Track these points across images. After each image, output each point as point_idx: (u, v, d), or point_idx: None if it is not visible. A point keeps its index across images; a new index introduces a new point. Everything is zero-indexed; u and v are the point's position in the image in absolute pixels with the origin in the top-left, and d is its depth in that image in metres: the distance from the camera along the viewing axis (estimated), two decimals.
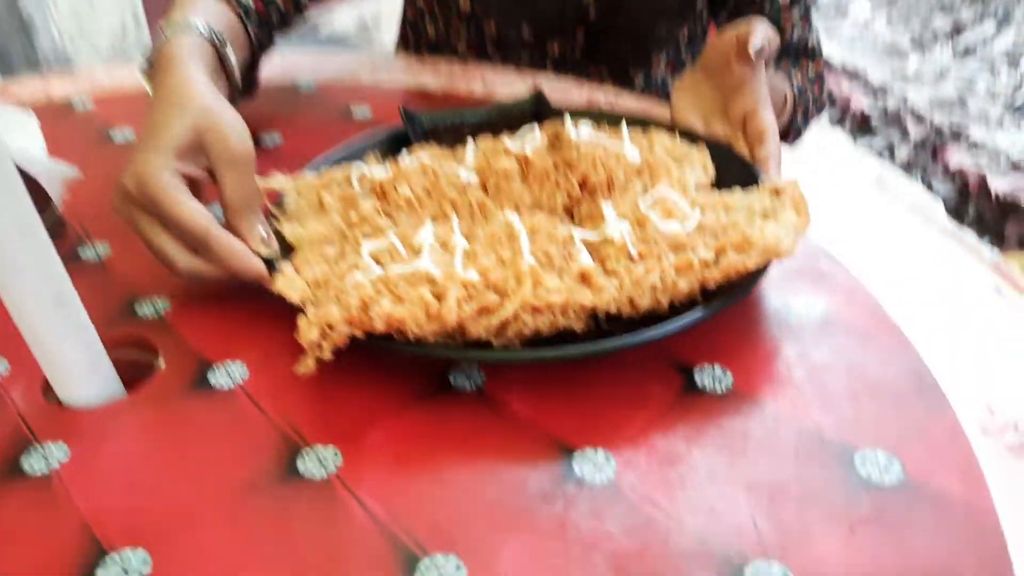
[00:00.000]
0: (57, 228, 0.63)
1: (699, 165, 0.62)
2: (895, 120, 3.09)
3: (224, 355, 0.51)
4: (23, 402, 0.48)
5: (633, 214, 0.53)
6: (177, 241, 0.50)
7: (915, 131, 2.99)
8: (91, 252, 0.62)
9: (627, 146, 0.60)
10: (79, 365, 0.47)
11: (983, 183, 2.58)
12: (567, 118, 0.62)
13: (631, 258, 0.49)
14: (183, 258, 0.51)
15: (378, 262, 0.49)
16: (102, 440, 0.46)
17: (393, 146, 0.68)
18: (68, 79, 0.92)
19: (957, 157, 2.72)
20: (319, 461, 0.43)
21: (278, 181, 0.60)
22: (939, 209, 2.49)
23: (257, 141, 0.77)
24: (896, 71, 3.50)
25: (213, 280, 0.52)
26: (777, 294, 0.55)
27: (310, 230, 0.56)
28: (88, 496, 0.42)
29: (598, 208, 0.55)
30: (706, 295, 0.49)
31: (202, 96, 0.53)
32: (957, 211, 2.50)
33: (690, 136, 0.66)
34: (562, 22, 0.93)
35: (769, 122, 0.63)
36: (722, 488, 0.42)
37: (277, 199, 0.60)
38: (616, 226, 0.51)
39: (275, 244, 0.53)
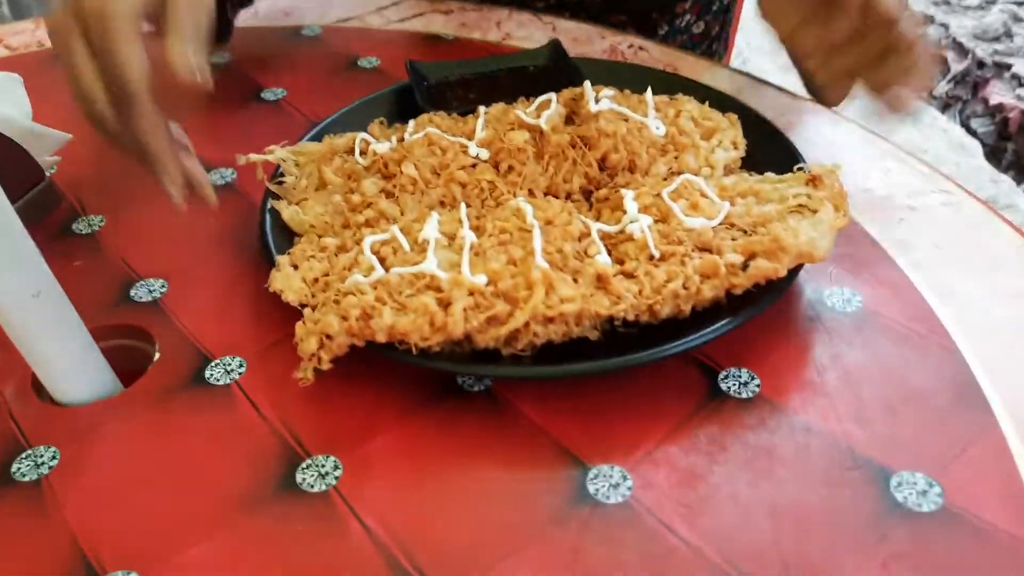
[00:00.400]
0: (49, 199, 0.60)
1: (729, 140, 0.57)
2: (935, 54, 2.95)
3: (222, 348, 0.48)
4: (15, 400, 0.46)
5: (656, 205, 0.49)
6: (104, 86, 0.45)
7: (956, 65, 2.85)
8: (85, 225, 0.59)
9: (651, 118, 0.56)
10: (66, 362, 0.45)
11: None
12: (587, 87, 0.57)
13: (652, 258, 0.45)
14: (101, 97, 0.45)
15: (380, 257, 0.46)
16: (92, 444, 0.44)
17: (400, 104, 0.64)
18: None
19: (999, 93, 2.59)
20: (319, 473, 0.41)
21: (277, 154, 0.56)
22: (977, 149, 2.39)
23: (259, 95, 0.73)
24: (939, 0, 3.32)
25: (113, 138, 0.47)
26: (811, 286, 0.51)
27: (311, 214, 0.52)
28: (78, 508, 0.41)
29: (618, 195, 0.50)
30: (731, 296, 0.45)
31: None
32: (995, 152, 2.40)
33: (721, 101, 0.61)
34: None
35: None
36: (745, 511, 0.39)
37: (275, 173, 0.56)
38: (637, 221, 0.47)
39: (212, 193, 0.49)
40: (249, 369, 0.47)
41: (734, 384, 0.45)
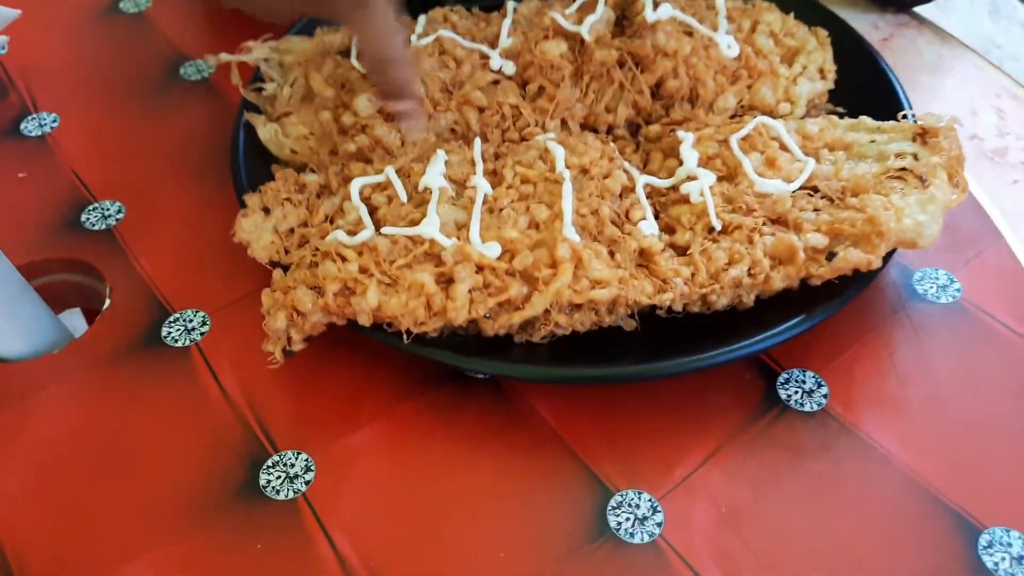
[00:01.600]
0: None
1: (816, 65, 0.46)
2: None
3: (184, 299, 0.41)
4: None
5: (721, 156, 0.39)
6: None
7: None
8: (35, 125, 0.50)
9: (722, 34, 0.44)
10: (5, 321, 0.37)
11: None
12: None
13: (712, 230, 0.36)
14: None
15: (370, 206, 0.37)
16: (21, 416, 0.37)
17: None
18: None
19: None
20: (286, 476, 0.34)
21: (255, 52, 0.45)
22: None
23: None
24: None
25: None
26: (898, 264, 0.42)
27: (292, 134, 0.43)
28: (6, 507, 0.34)
29: (674, 137, 0.40)
30: (804, 281, 0.36)
31: None
32: None
33: (807, 10, 0.49)
34: None
35: None
36: (796, 560, 0.32)
37: (254, 76, 0.46)
38: (696, 182, 0.37)
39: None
40: (214, 328, 0.40)
41: (796, 392, 0.37)
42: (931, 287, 0.41)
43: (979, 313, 0.40)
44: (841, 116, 0.43)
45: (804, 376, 0.37)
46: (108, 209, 0.45)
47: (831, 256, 0.35)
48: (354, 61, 0.45)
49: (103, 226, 0.44)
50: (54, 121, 0.50)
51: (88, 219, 0.44)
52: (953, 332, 0.39)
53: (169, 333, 0.39)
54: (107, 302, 0.41)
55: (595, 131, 0.43)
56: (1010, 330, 0.39)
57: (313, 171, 0.40)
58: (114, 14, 0.58)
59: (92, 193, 0.46)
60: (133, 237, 0.43)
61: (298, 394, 0.37)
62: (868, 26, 0.56)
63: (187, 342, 0.39)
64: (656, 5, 0.44)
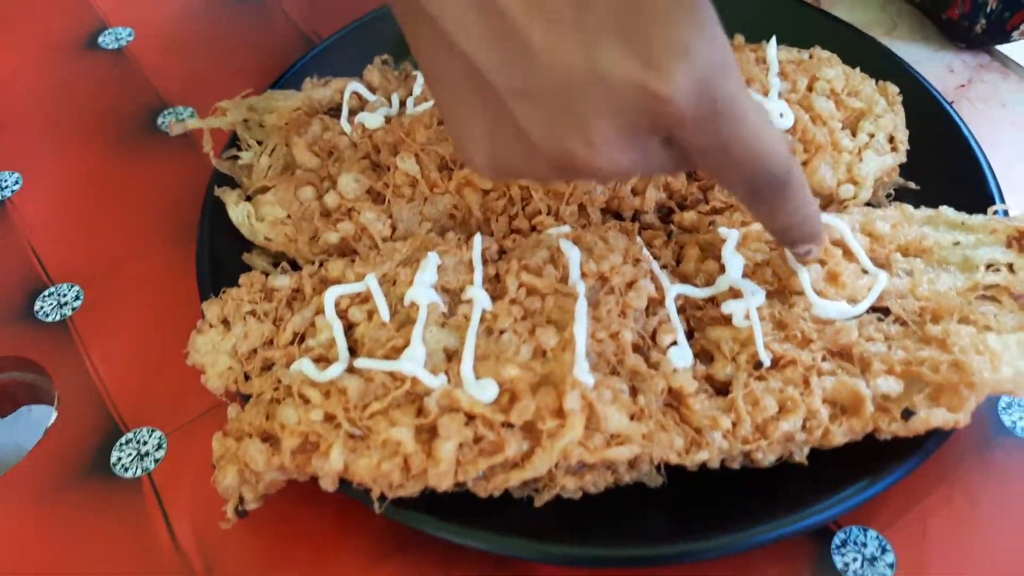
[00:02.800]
0: None
1: (885, 133, 0.38)
2: None
3: (140, 413, 0.35)
4: None
5: (772, 265, 0.32)
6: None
7: None
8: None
9: (774, 98, 0.37)
10: None
11: None
12: None
13: (759, 366, 0.29)
14: None
15: (347, 323, 0.31)
16: None
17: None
18: None
19: None
20: None
21: (230, 116, 0.40)
22: None
23: None
24: None
25: None
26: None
27: (268, 217, 0.37)
28: None
29: (714, 234, 0.34)
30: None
31: None
32: None
33: (873, 56, 0.42)
34: None
35: None
36: None
37: (229, 142, 0.40)
38: (741, 301, 0.30)
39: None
40: (170, 453, 0.34)
41: (855, 559, 0.30)
42: (1020, 418, 0.34)
43: None
44: (915, 202, 0.35)
45: (865, 537, 0.31)
46: (65, 295, 0.39)
47: (907, 413, 0.28)
48: (344, 123, 0.39)
49: (58, 316, 0.39)
50: (16, 183, 0.45)
51: (42, 308, 0.39)
52: None
53: (119, 459, 0.34)
54: (53, 415, 0.36)
55: (619, 217, 0.37)
56: None
57: (285, 270, 0.34)
58: (93, 49, 0.52)
59: (49, 275, 0.40)
60: (89, 331, 0.38)
61: (260, 551, 0.31)
62: (942, 69, 0.48)
63: (138, 471, 0.34)
64: None
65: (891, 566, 0.30)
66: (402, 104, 0.40)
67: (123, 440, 0.34)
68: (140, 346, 0.38)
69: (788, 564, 0.30)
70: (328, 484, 0.28)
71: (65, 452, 0.34)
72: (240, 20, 0.54)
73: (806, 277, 0.31)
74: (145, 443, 0.34)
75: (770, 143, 0.25)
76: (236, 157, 0.40)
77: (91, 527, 0.32)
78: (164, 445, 0.34)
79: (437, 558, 0.31)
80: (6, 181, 0.45)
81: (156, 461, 0.34)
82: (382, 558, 0.31)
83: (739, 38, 0.41)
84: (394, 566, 0.31)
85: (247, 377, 0.31)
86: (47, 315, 0.39)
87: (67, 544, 0.32)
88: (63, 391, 0.36)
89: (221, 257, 0.37)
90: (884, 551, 0.31)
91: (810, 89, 0.39)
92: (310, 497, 0.31)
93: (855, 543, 0.31)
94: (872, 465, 0.29)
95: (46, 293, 0.40)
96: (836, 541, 0.31)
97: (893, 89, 0.40)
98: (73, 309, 0.39)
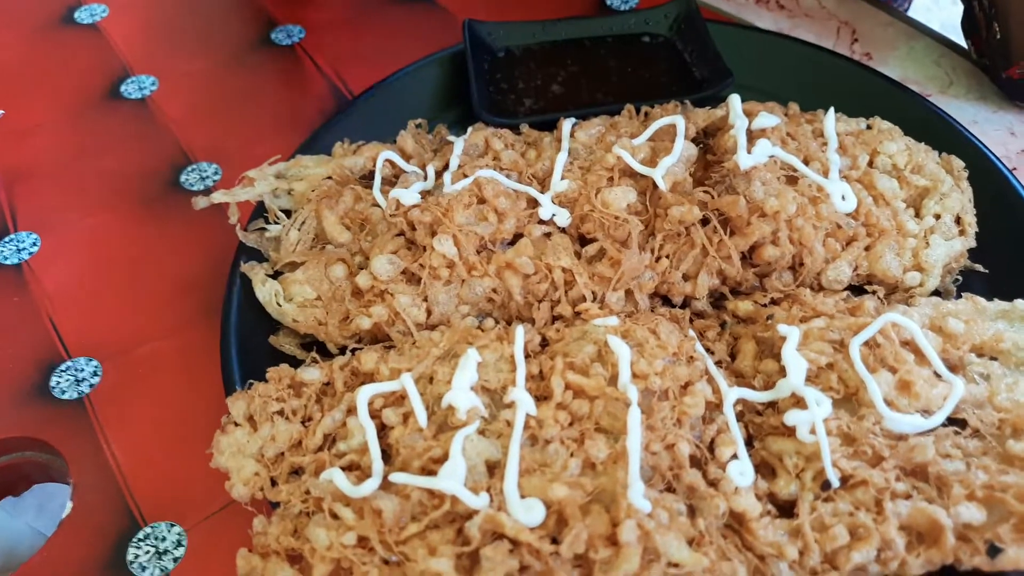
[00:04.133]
0: None
1: (952, 212, 0.36)
2: None
3: (157, 507, 0.33)
4: None
5: (836, 367, 0.30)
6: None
7: None
8: (11, 249, 0.43)
9: (835, 180, 0.35)
10: None
11: None
12: (735, 108, 0.36)
13: (827, 485, 0.27)
14: None
15: (380, 425, 0.29)
16: None
17: (454, 82, 0.44)
18: None
19: None
20: None
21: (258, 187, 0.38)
22: None
23: (268, 36, 0.54)
24: None
25: None
26: None
27: (298, 298, 0.35)
28: None
29: (773, 331, 0.31)
30: None
31: None
32: None
33: (932, 122, 0.40)
34: None
35: None
36: None
37: (256, 212, 0.38)
38: (806, 414, 0.28)
39: None
40: (190, 553, 0.32)
41: None
42: None
43: None
44: (984, 286, 0.33)
45: None
46: (82, 370, 0.38)
47: (994, 550, 0.25)
48: (377, 193, 0.37)
49: (75, 394, 0.37)
50: (34, 244, 0.43)
51: (59, 383, 0.37)
52: None
53: (136, 557, 0.32)
54: (68, 505, 0.34)
55: (668, 303, 0.35)
56: None
57: (315, 359, 0.32)
58: (115, 99, 0.51)
59: (67, 347, 0.39)
60: (106, 411, 0.36)
61: None
62: (1004, 132, 0.46)
63: (156, 571, 0.32)
64: (751, 140, 0.35)
65: None
66: (438, 175, 0.38)
67: (140, 536, 0.33)
68: (159, 431, 0.36)
69: None
70: None
71: (79, 548, 0.32)
72: (268, 70, 0.52)
73: (876, 387, 0.28)
74: (163, 539, 0.32)
75: None
76: (264, 229, 0.38)
77: None
78: (184, 543, 0.32)
79: None
80: (23, 242, 0.43)
81: (175, 560, 0.32)
82: None
83: (794, 107, 0.39)
84: None
85: (273, 483, 0.29)
86: (63, 392, 0.37)
87: None
88: (79, 479, 0.34)
89: (247, 338, 0.35)
90: None
91: (871, 164, 0.37)
92: None
93: None
94: None
95: (63, 368, 0.38)
96: None
97: (959, 164, 0.38)
98: (91, 386, 0.37)
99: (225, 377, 0.33)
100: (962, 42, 0.51)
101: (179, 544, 0.32)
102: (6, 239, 0.43)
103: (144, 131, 0.49)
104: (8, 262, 0.42)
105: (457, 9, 0.46)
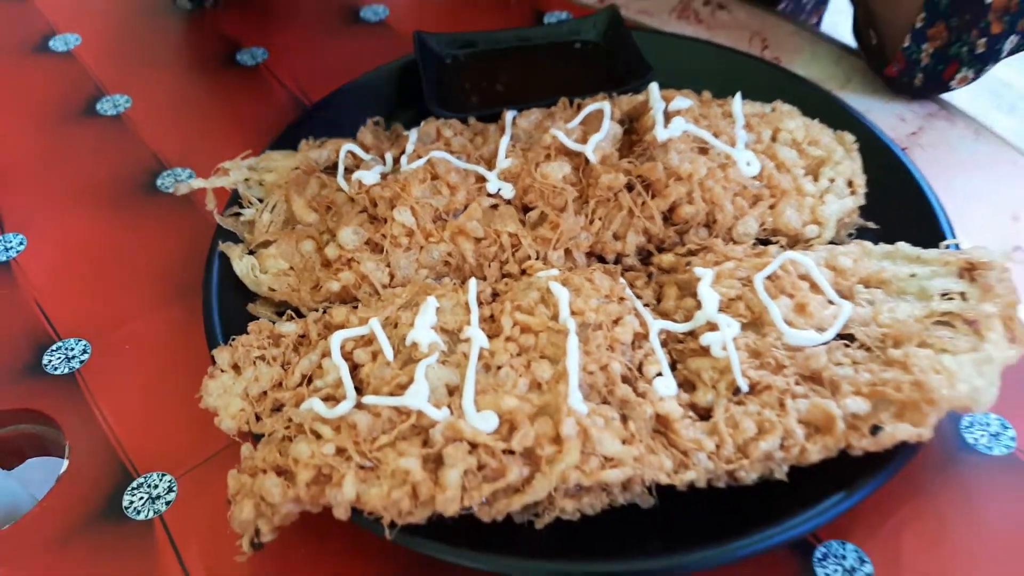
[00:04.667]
0: None
1: (844, 177, 0.42)
2: None
3: (150, 459, 0.37)
4: None
5: (744, 299, 0.34)
6: None
7: None
8: (0, 248, 0.46)
9: (740, 150, 0.41)
10: None
11: None
12: (654, 94, 0.42)
13: (737, 391, 0.32)
14: None
15: (352, 364, 0.33)
16: None
17: (406, 89, 0.49)
18: None
19: None
20: None
21: (233, 175, 0.42)
22: None
23: (234, 56, 0.58)
24: None
25: None
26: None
27: (272, 269, 0.39)
28: None
29: (690, 272, 0.36)
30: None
31: None
32: None
33: (829, 108, 0.46)
34: None
35: None
36: None
37: (231, 199, 0.42)
38: (718, 334, 0.33)
39: None
40: (181, 495, 0.35)
41: (835, 569, 0.32)
42: (982, 435, 0.36)
43: None
44: (875, 240, 0.39)
45: (844, 550, 0.33)
46: (72, 349, 0.41)
47: (876, 430, 0.30)
48: (340, 180, 0.42)
49: (66, 369, 0.40)
50: (20, 244, 0.47)
51: (50, 361, 0.41)
52: (1010, 489, 0.35)
53: (131, 503, 0.35)
54: (64, 463, 0.37)
55: (603, 260, 0.39)
56: None
57: (292, 317, 0.36)
58: (91, 116, 0.55)
59: (56, 330, 0.42)
60: (97, 382, 0.40)
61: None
62: (894, 119, 0.52)
63: (150, 513, 0.35)
64: (668, 119, 0.40)
65: (870, 574, 0.32)
66: (395, 161, 0.42)
67: (134, 485, 0.36)
68: (148, 396, 0.39)
69: (772, 572, 0.32)
70: (341, 513, 0.29)
71: (77, 498, 0.36)
72: (234, 86, 0.57)
73: (776, 310, 0.33)
74: (156, 487, 0.36)
75: None
76: (239, 214, 0.42)
77: (105, 570, 0.33)
78: (175, 488, 0.36)
79: None
80: (10, 243, 0.47)
81: (167, 504, 0.35)
82: None
83: (706, 94, 0.45)
84: None
85: (258, 418, 0.33)
86: (56, 368, 0.40)
87: None
88: (73, 441, 0.38)
89: (227, 308, 0.39)
90: (863, 562, 0.33)
91: (774, 139, 0.43)
92: (319, 529, 0.33)
93: (835, 556, 0.33)
94: (847, 480, 0.31)
95: (54, 348, 0.41)
96: (817, 554, 0.33)
97: (850, 138, 0.44)
98: (81, 362, 0.40)
99: (209, 338, 0.37)
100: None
101: (170, 490, 0.36)
102: None
103: (121, 143, 0.53)
104: None
105: (409, 31, 0.51)
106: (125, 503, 0.35)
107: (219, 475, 0.35)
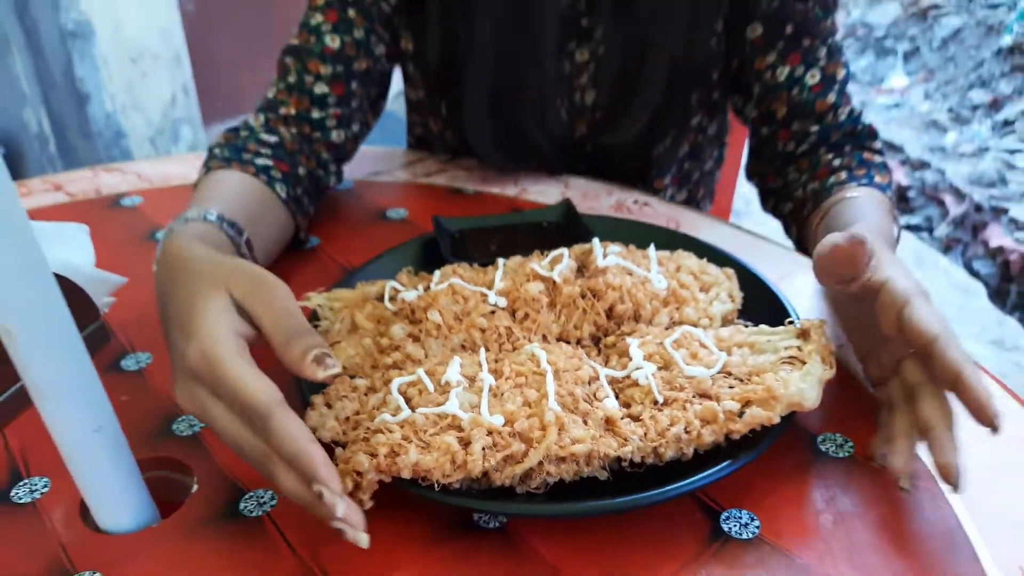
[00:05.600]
0: (100, 337, 0.65)
1: (725, 293, 0.62)
2: (933, 196, 3.06)
3: (256, 482, 0.52)
4: (62, 525, 0.50)
5: (659, 353, 0.53)
6: (244, 423, 0.44)
7: (954, 208, 2.95)
8: (132, 362, 0.64)
9: (654, 273, 0.61)
10: (116, 492, 0.48)
11: None
12: (596, 244, 0.64)
13: (656, 403, 0.50)
14: (250, 442, 0.44)
15: (406, 398, 0.50)
16: (132, 572, 0.47)
17: (426, 253, 0.70)
18: (117, 172, 0.96)
19: (998, 236, 2.68)
20: None
21: (313, 300, 0.61)
22: (980, 291, 2.45)
23: (297, 243, 0.80)
24: (934, 146, 3.49)
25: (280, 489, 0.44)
26: (804, 434, 0.55)
27: (343, 355, 0.57)
28: None
29: (624, 342, 0.55)
30: (730, 441, 0.49)
31: (214, 260, 0.52)
32: (999, 293, 2.45)
33: (718, 257, 0.67)
34: (563, 157, 0.94)
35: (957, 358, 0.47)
36: None
37: (311, 317, 0.61)
38: (642, 369, 0.51)
39: (335, 363, 0.46)
40: (281, 501, 0.51)
41: (735, 525, 0.48)
42: (831, 446, 0.54)
43: (867, 463, 0.52)
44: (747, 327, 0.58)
45: (741, 514, 0.49)
46: (194, 420, 0.57)
47: (741, 415, 0.48)
48: (387, 303, 0.61)
49: (190, 432, 0.56)
50: (148, 359, 0.64)
51: (178, 428, 0.57)
52: (852, 474, 0.51)
53: (245, 506, 0.50)
54: (194, 487, 0.52)
55: (567, 343, 0.58)
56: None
57: (362, 378, 0.54)
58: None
59: (181, 409, 0.59)
60: (214, 437, 0.56)
61: (352, 548, 0.47)
62: (770, 266, 0.74)
63: (259, 513, 0.50)
64: (605, 256, 0.62)
65: (758, 527, 0.48)
66: (425, 289, 0.62)
67: (247, 496, 0.51)
68: None
69: (693, 530, 0.48)
70: (407, 473, 0.45)
71: (204, 507, 0.50)
72: (293, 262, 0.78)
73: (678, 356, 0.52)
74: (263, 497, 0.51)
75: (249, 385, 0.43)
76: (316, 325, 0.61)
77: (229, 551, 0.48)
78: (277, 498, 0.51)
79: (465, 547, 0.47)
80: (140, 357, 0.64)
81: (272, 506, 0.50)
82: (429, 547, 0.47)
83: (631, 246, 0.66)
84: (438, 552, 0.47)
85: (344, 434, 0.49)
86: (182, 432, 0.56)
87: (212, 568, 0.47)
88: (198, 474, 0.53)
89: (308, 383, 0.56)
90: (753, 520, 0.48)
91: (677, 271, 0.64)
92: (385, 499, 0.48)
93: (735, 517, 0.49)
94: (728, 458, 0.48)
95: (180, 419, 0.57)
96: (723, 516, 0.49)
97: (730, 270, 0.65)
98: (203, 426, 0.57)
99: (300, 394, 0.54)
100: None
101: (273, 498, 0.51)
102: (128, 355, 0.64)
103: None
104: (130, 369, 0.63)
105: (422, 225, 0.73)
106: (240, 507, 0.50)
107: None
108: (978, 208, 3.01)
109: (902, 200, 3.24)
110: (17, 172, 2.41)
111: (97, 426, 0.45)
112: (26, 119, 2.36)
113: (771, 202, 0.89)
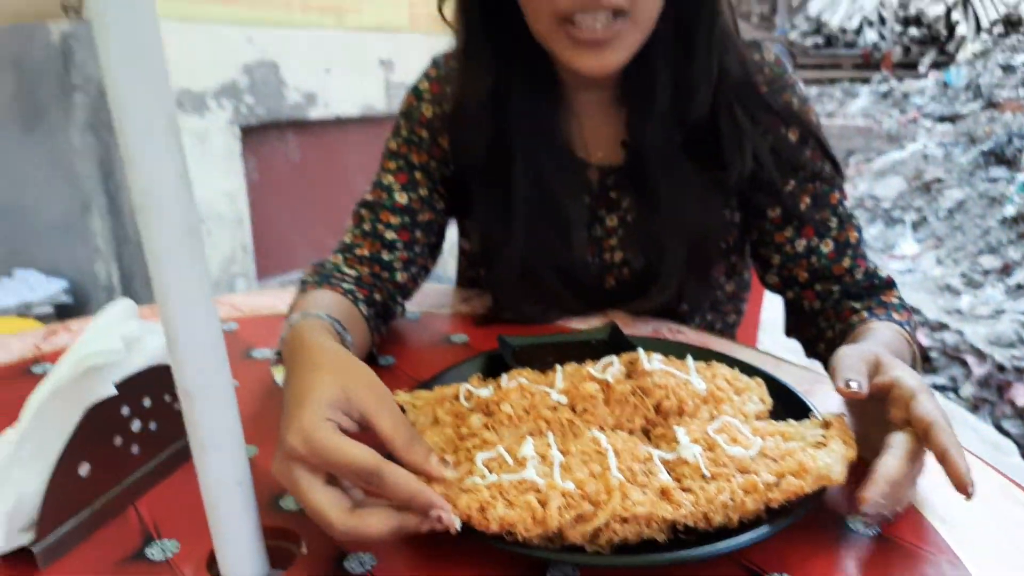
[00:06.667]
0: None
1: (757, 396, 0.72)
2: (955, 356, 3.13)
3: (359, 544, 0.60)
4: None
5: (703, 438, 0.62)
6: (338, 497, 0.53)
7: (977, 368, 3.01)
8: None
9: (694, 377, 0.71)
10: (245, 544, 0.56)
11: None
12: (641, 352, 0.74)
13: (704, 477, 0.58)
14: (341, 517, 0.53)
15: (488, 470, 0.59)
16: None
17: (490, 368, 0.81)
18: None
19: None
20: None
21: (398, 397, 0.72)
22: (1012, 448, 2.46)
23: (373, 361, 0.91)
24: (950, 308, 3.61)
25: (370, 535, 0.53)
26: (836, 516, 0.62)
27: (430, 442, 0.66)
28: None
29: (671, 431, 0.64)
30: (769, 510, 0.57)
31: (340, 357, 0.61)
32: None
33: (748, 369, 0.77)
34: (593, 308, 1.05)
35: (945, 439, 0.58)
36: None
37: None
38: (690, 449, 0.60)
39: (451, 466, 0.57)
40: (381, 563, 0.58)
41: None
42: (858, 525, 0.61)
43: (892, 538, 0.59)
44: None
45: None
46: None
47: (779, 484, 0.56)
48: (463, 400, 0.71)
49: (298, 508, 0.65)
50: (255, 451, 0.74)
51: (286, 504, 0.65)
52: (872, 550, 0.58)
53: (350, 565, 0.58)
54: (303, 549, 0.60)
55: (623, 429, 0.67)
56: (913, 545, 0.58)
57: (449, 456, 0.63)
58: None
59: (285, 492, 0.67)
60: None
61: None
62: (794, 381, 0.84)
63: (361, 571, 0.57)
64: (649, 361, 0.72)
65: None
66: (496, 388, 0.72)
67: (349, 557, 0.59)
68: None
69: None
70: (495, 526, 0.53)
71: (312, 566, 0.58)
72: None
73: (721, 439, 0.61)
74: (363, 557, 0.59)
75: (351, 453, 0.52)
76: None
77: None
78: (375, 560, 0.59)
79: None
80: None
81: (373, 566, 0.58)
82: None
83: (671, 357, 0.76)
84: None
85: None
86: (291, 508, 0.65)
87: None
88: (306, 539, 0.61)
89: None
90: None
91: (714, 377, 0.73)
92: (469, 560, 0.56)
93: None
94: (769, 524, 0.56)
95: (286, 495, 0.66)
96: None
97: (759, 379, 0.75)
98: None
99: None
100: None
101: (373, 560, 0.58)
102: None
103: None
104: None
105: (483, 346, 0.84)
106: (346, 566, 0.58)
107: (407, 549, 0.59)
108: (1001, 368, 3.07)
109: (924, 360, 3.31)
110: (78, 314, 2.58)
111: (239, 480, 0.55)
112: (96, 271, 2.57)
113: (810, 349, 1.01)
